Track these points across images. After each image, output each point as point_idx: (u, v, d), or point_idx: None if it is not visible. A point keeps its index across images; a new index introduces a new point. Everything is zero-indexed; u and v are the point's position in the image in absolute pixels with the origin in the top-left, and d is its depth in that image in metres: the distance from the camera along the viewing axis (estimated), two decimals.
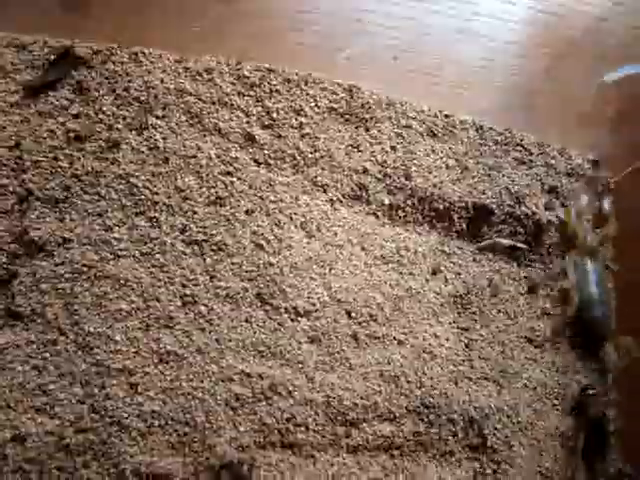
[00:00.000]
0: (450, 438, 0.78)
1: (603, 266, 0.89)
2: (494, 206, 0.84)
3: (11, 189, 0.76)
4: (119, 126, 0.77)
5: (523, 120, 0.93)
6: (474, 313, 0.83)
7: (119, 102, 0.78)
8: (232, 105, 0.79)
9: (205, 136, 0.77)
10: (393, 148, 0.82)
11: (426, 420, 0.77)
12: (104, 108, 0.78)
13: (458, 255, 0.84)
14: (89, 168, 0.76)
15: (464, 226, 0.84)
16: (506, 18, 0.99)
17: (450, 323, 0.81)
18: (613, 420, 0.86)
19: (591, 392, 0.84)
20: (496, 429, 0.79)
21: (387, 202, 0.81)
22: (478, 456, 0.79)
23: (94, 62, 0.80)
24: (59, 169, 0.76)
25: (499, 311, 0.84)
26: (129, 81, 0.79)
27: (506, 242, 0.84)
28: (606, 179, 0.90)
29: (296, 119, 0.79)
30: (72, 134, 0.77)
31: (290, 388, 0.73)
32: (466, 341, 0.81)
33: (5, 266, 0.74)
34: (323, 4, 0.92)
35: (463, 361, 0.80)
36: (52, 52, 0.80)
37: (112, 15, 0.83)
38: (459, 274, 0.83)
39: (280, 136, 0.79)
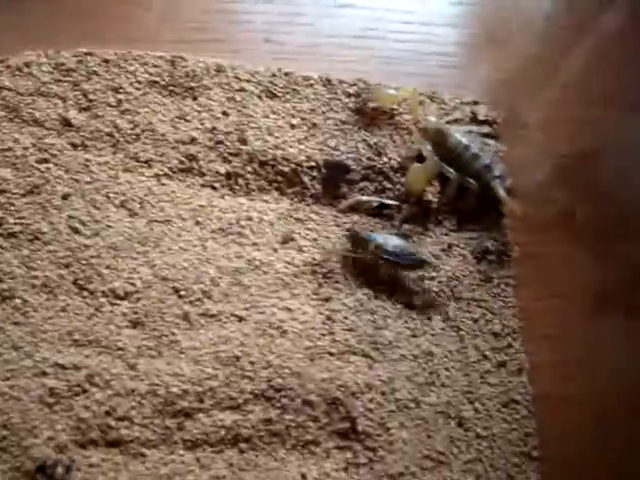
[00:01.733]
0: (311, 424, 0.67)
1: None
2: (350, 162, 0.75)
3: None
4: None
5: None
6: (338, 282, 0.73)
7: None
8: (49, 94, 0.75)
9: (22, 128, 0.74)
10: (225, 113, 0.76)
11: (278, 405, 0.67)
12: None
13: (315, 221, 0.75)
14: None
15: (319, 189, 0.75)
16: None
17: (308, 295, 0.72)
18: None
19: None
20: (368, 410, 0.68)
21: (223, 171, 0.74)
22: (349, 444, 0.67)
23: None
24: None
25: (370, 277, 0.73)
26: None
27: (367, 199, 0.74)
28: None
29: (114, 97, 0.75)
30: None
31: (108, 377, 0.65)
32: (327, 313, 0.71)
33: None
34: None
35: (323, 335, 0.70)
36: None
37: None
38: (316, 240, 0.74)
39: (97, 116, 0.75)
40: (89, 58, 0.76)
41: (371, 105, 0.77)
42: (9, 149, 0.74)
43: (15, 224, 0.71)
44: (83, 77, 0.76)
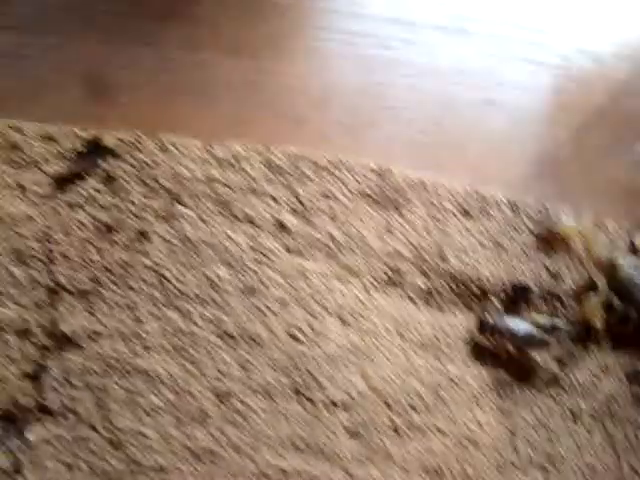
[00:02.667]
0: None
1: None
2: (532, 284, 0.82)
3: (40, 281, 0.75)
4: (148, 216, 0.77)
5: (555, 191, 0.91)
6: (517, 396, 0.79)
7: (148, 192, 0.78)
8: (262, 192, 0.77)
9: (235, 225, 0.76)
10: (427, 230, 0.80)
11: None
12: (133, 198, 0.77)
13: None
14: (119, 260, 0.75)
15: (500, 306, 0.82)
16: (531, 87, 0.98)
17: (492, 408, 0.78)
18: None
19: None
20: None
21: (423, 286, 0.79)
22: None
23: (122, 151, 0.79)
24: (89, 261, 0.76)
25: (540, 392, 0.81)
26: (157, 170, 0.78)
27: (543, 321, 0.81)
28: None
29: (327, 205, 0.78)
30: (102, 225, 0.77)
31: None
32: (510, 426, 0.78)
33: (35, 360, 0.73)
34: (346, 79, 0.92)
35: (507, 447, 0.77)
36: (80, 142, 0.80)
37: (138, 103, 0.83)
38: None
39: (311, 223, 0.77)
40: (300, 160, 0.79)
41: (551, 232, 0.83)
42: (223, 246, 0.75)
43: (231, 324, 0.73)
44: (296, 180, 0.78)
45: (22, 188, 0.80)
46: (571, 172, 0.94)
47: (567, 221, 0.83)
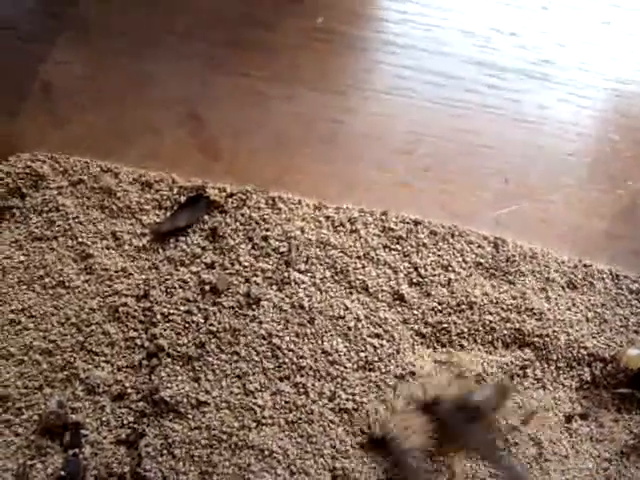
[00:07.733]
0: None
1: None
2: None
3: (139, 343, 0.72)
4: (258, 280, 0.73)
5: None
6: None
7: (257, 253, 0.74)
8: (379, 260, 0.74)
9: (352, 294, 0.73)
10: (537, 303, 0.79)
11: None
12: (241, 258, 0.74)
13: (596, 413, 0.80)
14: (226, 325, 0.72)
15: (603, 380, 0.81)
16: (613, 139, 0.97)
17: None
18: None
19: None
20: None
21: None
22: None
23: (228, 206, 0.75)
24: (193, 324, 0.72)
25: None
26: (267, 229, 0.74)
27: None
28: None
29: (444, 276, 0.76)
30: (206, 286, 0.73)
31: None
32: None
33: (131, 425, 0.70)
34: (431, 122, 0.89)
35: None
36: (181, 193, 0.75)
37: (244, 155, 0.79)
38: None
39: (428, 295, 0.75)
40: (417, 227, 0.76)
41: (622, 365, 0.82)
42: (340, 317, 0.73)
43: (347, 400, 0.71)
44: (413, 248, 0.75)
45: (117, 238, 0.75)
46: None
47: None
